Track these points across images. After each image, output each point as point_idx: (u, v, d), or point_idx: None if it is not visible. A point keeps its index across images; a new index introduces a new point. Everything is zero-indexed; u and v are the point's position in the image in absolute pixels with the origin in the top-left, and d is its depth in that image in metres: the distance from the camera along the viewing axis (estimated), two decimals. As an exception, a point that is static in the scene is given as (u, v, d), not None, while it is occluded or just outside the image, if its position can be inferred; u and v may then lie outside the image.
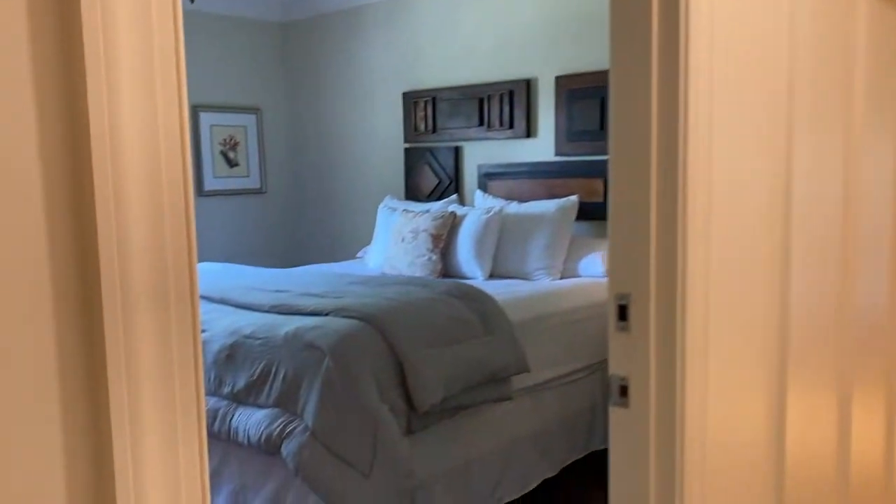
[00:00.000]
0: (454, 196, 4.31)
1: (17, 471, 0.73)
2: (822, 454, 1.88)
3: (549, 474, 3.07)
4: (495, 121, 4.26)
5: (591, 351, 3.28)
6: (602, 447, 3.37)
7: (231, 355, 2.54)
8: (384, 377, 2.33)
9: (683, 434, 1.32)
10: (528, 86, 4.14)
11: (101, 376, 0.78)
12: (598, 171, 3.87)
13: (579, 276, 3.60)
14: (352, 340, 2.36)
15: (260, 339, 2.50)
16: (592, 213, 3.86)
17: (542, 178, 4.06)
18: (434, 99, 4.53)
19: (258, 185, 5.21)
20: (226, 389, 2.54)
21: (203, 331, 2.69)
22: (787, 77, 1.55)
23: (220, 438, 2.51)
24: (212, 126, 4.93)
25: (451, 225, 3.76)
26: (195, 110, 4.85)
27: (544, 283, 3.50)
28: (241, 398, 2.49)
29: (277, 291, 2.91)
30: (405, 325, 2.46)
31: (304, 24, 5.21)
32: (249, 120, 5.14)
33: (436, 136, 4.55)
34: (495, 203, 3.92)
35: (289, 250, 5.32)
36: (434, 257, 3.70)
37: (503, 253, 3.70)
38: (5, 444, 0.72)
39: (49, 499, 0.75)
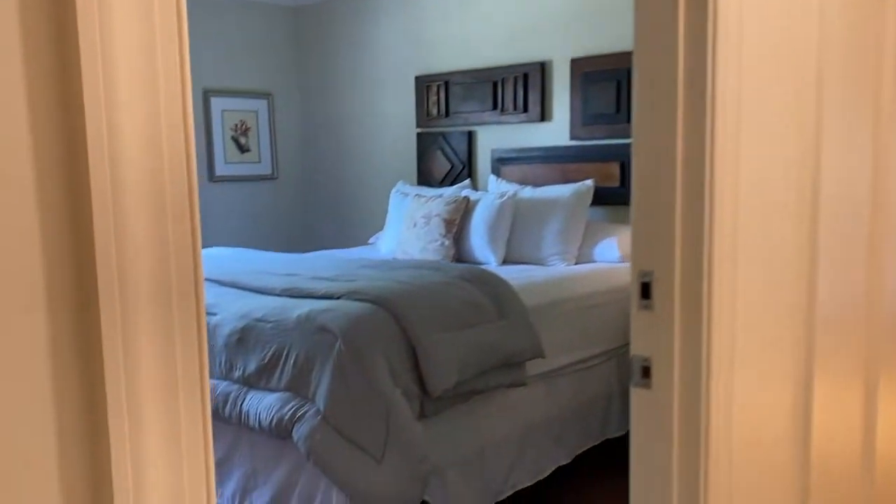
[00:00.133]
0: (467, 181, 4.25)
1: (9, 477, 0.69)
2: (848, 446, 1.82)
3: (564, 461, 3.02)
4: (509, 104, 4.20)
5: (607, 337, 3.23)
6: (617, 434, 3.32)
7: (242, 339, 2.51)
8: (397, 361, 2.30)
9: (709, 417, 1.27)
10: (543, 69, 4.08)
11: (97, 376, 0.73)
12: (614, 155, 3.80)
13: (595, 262, 3.54)
14: (364, 323, 2.32)
15: (271, 322, 2.47)
16: (608, 197, 3.80)
17: (557, 162, 4.00)
18: (447, 83, 4.47)
19: (269, 171, 5.17)
20: (236, 373, 2.51)
21: (213, 314, 2.67)
22: (816, 66, 1.49)
23: (231, 423, 2.49)
24: (223, 111, 4.90)
25: (464, 210, 3.71)
26: (206, 95, 4.81)
27: (559, 269, 3.45)
28: (252, 382, 2.46)
29: (288, 275, 2.88)
30: (418, 309, 2.42)
31: (316, 7, 5.16)
32: (261, 105, 5.10)
33: (448, 120, 4.50)
34: (509, 188, 3.86)
35: (300, 236, 5.29)
36: (447, 242, 3.65)
37: (517, 238, 3.64)
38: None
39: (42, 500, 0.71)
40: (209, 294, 2.80)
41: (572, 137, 3.98)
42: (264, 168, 5.14)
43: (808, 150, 1.50)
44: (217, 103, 4.87)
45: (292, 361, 2.36)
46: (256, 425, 2.37)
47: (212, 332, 2.62)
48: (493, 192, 3.82)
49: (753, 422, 1.42)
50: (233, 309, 2.63)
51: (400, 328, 2.35)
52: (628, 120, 3.76)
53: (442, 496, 2.45)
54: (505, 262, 3.62)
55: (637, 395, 1.31)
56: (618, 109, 3.80)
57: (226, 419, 2.49)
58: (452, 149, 4.50)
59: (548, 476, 2.92)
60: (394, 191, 4.25)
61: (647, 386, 1.30)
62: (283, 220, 5.27)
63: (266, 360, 2.42)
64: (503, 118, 4.24)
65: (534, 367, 2.76)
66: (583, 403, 3.14)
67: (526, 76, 4.12)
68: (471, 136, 4.43)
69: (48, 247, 0.69)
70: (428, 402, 2.35)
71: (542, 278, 3.21)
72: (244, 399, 2.45)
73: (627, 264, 3.53)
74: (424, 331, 2.36)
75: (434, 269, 2.88)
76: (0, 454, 0.68)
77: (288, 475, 2.43)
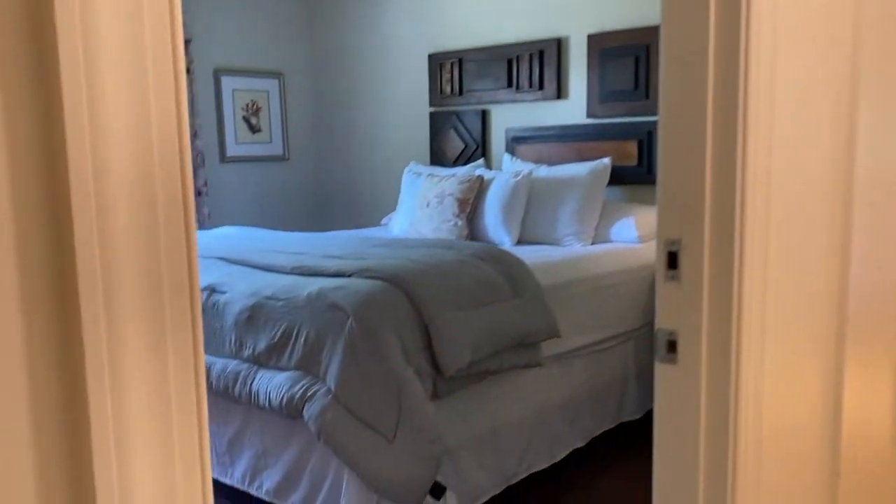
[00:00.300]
0: (481, 161, 4.17)
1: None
2: (879, 430, 1.75)
3: (579, 444, 2.97)
4: (524, 82, 4.11)
5: (624, 318, 3.16)
6: (633, 418, 3.26)
7: (252, 317, 2.46)
8: (409, 339, 2.24)
9: (738, 394, 1.20)
10: (559, 45, 3.98)
11: (79, 379, 0.65)
12: (632, 133, 3.71)
13: (612, 242, 3.46)
14: (376, 301, 2.26)
15: (281, 300, 2.42)
16: (626, 176, 3.71)
17: (573, 141, 3.91)
18: (461, 60, 4.38)
19: (281, 152, 5.12)
20: (246, 352, 2.46)
21: (222, 292, 2.62)
22: (852, 39, 1.40)
23: (241, 402, 2.45)
24: (234, 90, 4.84)
25: (477, 189, 3.63)
26: (217, 74, 4.75)
27: (575, 249, 3.38)
28: (262, 361, 2.42)
29: (299, 253, 2.83)
30: (431, 287, 2.36)
31: (327, -15, 5.08)
32: (272, 84, 5.03)
33: (462, 99, 4.41)
34: (524, 166, 3.78)
35: (312, 218, 5.24)
36: (460, 222, 3.58)
37: (532, 218, 3.57)
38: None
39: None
40: (218, 272, 2.75)
41: (589, 115, 3.88)
42: (276, 149, 5.09)
43: (842, 127, 1.42)
44: (228, 82, 4.81)
45: (303, 340, 2.31)
46: (266, 405, 2.33)
47: (221, 310, 2.57)
48: (507, 171, 3.74)
49: (783, 401, 1.35)
50: (242, 287, 2.58)
51: (412, 306, 2.29)
52: (647, 97, 3.66)
53: (455, 477, 2.40)
54: (519, 242, 3.55)
55: (662, 371, 1.25)
56: (636, 86, 3.70)
57: (236, 399, 2.45)
58: (466, 128, 4.41)
59: (563, 459, 2.87)
60: (406, 170, 4.18)
61: (673, 361, 1.23)
62: (294, 201, 5.22)
63: (276, 339, 2.37)
64: (518, 96, 4.15)
65: (549, 348, 2.69)
66: (598, 386, 3.08)
67: (542, 53, 4.03)
68: (485, 115, 4.34)
69: (22, 240, 0.61)
70: (441, 381, 2.30)
71: (557, 258, 3.14)
72: (254, 378, 2.40)
73: (645, 244, 3.47)
74: (437, 309, 2.30)
75: (447, 247, 2.82)
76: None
77: (299, 455, 2.39)
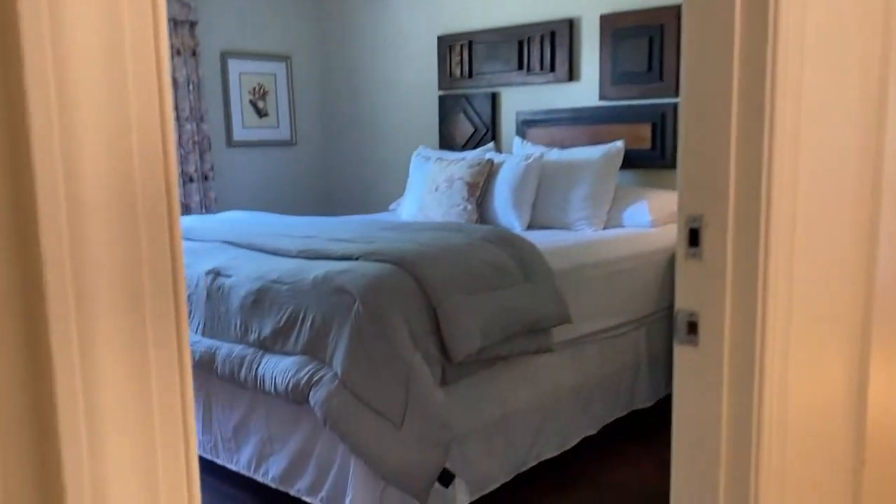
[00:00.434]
0: (490, 145, 4.10)
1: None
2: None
3: (590, 432, 2.92)
4: (535, 64, 4.03)
5: (637, 304, 3.10)
6: (645, 406, 3.21)
7: (257, 301, 2.42)
8: (417, 324, 2.19)
9: (762, 377, 1.14)
10: (571, 26, 3.89)
11: (47, 390, 0.58)
12: (646, 115, 3.63)
13: (624, 227, 3.39)
14: (383, 285, 2.21)
15: (287, 283, 2.37)
16: (639, 160, 3.64)
17: (585, 124, 3.83)
18: (470, 42, 4.30)
19: (288, 137, 5.06)
20: (252, 336, 2.42)
21: (228, 276, 2.58)
22: (883, 15, 1.33)
23: (247, 387, 2.41)
24: (240, 74, 4.78)
25: (487, 173, 3.57)
26: (223, 57, 4.70)
27: (587, 234, 3.31)
28: (268, 345, 2.37)
29: (305, 237, 2.77)
30: (440, 270, 2.31)
31: (334, -33, 5.00)
32: (279, 68, 4.97)
33: (472, 81, 4.34)
34: (535, 150, 3.71)
35: (319, 203, 5.19)
36: (469, 207, 3.52)
37: (543, 202, 3.50)
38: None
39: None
40: (224, 256, 2.71)
41: (602, 97, 3.81)
42: (283, 133, 5.03)
43: (872, 103, 1.34)
44: (234, 66, 4.75)
45: (309, 324, 2.26)
46: (272, 390, 2.29)
47: (226, 294, 2.53)
48: (518, 155, 3.67)
49: (808, 386, 1.29)
50: (248, 270, 2.53)
51: (421, 290, 2.24)
52: (661, 79, 3.58)
53: (463, 465, 2.35)
54: (530, 226, 3.49)
55: (682, 353, 1.19)
56: (649, 68, 3.62)
57: (241, 384, 2.41)
58: (476, 111, 4.34)
59: (573, 447, 2.82)
60: (415, 154, 4.12)
61: (694, 343, 1.17)
62: (301, 186, 5.16)
63: (282, 323, 2.33)
64: (529, 78, 4.08)
65: (560, 334, 2.64)
66: (610, 373, 3.02)
67: (553, 34, 3.94)
68: (495, 98, 4.27)
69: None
70: (450, 367, 2.24)
71: (569, 242, 3.07)
72: (260, 363, 2.36)
73: (659, 229, 3.40)
74: (446, 293, 2.24)
75: (456, 230, 2.76)
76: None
77: (305, 441, 2.35)
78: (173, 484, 0.61)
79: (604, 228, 3.39)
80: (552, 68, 3.97)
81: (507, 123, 4.24)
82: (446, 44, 4.42)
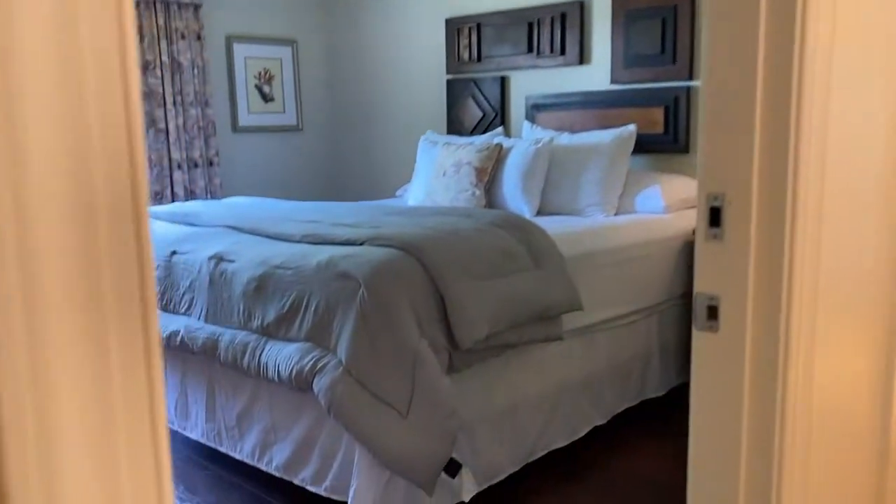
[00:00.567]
0: (499, 129, 4.03)
1: None
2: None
3: (599, 422, 2.86)
4: (545, 47, 3.94)
5: (649, 292, 3.03)
6: (656, 395, 3.15)
7: (260, 286, 2.36)
8: (424, 310, 2.13)
9: (787, 366, 1.08)
10: (582, 7, 3.80)
11: None
12: (659, 99, 3.55)
13: (636, 213, 3.32)
14: (389, 270, 2.15)
15: (290, 269, 2.32)
16: (651, 144, 3.56)
17: (596, 108, 3.75)
18: (479, 25, 4.22)
19: (294, 122, 5.00)
20: (255, 323, 2.37)
21: (231, 261, 2.53)
22: None
23: (250, 375, 2.36)
24: (246, 58, 4.72)
25: (496, 157, 3.50)
26: (229, 41, 4.64)
27: (597, 220, 3.24)
28: (271, 332, 2.32)
29: (309, 222, 2.72)
30: (447, 255, 2.24)
31: (341, -51, 4.92)
32: (285, 52, 4.90)
33: (480, 65, 4.26)
34: (545, 134, 3.64)
35: (326, 189, 5.14)
36: (477, 192, 3.45)
37: (553, 187, 3.43)
38: None
39: None
40: (227, 241, 2.65)
41: (613, 81, 3.72)
42: (289, 118, 4.97)
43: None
44: (240, 50, 4.69)
45: (312, 310, 2.21)
46: (275, 377, 2.24)
47: (229, 279, 2.48)
48: (527, 139, 3.59)
49: (834, 377, 1.22)
50: (251, 256, 2.48)
51: (427, 275, 2.18)
52: (674, 61, 3.49)
53: (471, 455, 2.30)
54: (539, 212, 3.42)
55: (701, 340, 1.13)
56: (662, 50, 3.53)
57: (244, 371, 2.36)
58: (484, 96, 4.26)
59: (583, 437, 2.76)
60: (422, 139, 4.05)
61: (714, 329, 1.11)
62: (308, 172, 5.11)
63: (285, 309, 2.28)
64: (539, 62, 3.99)
65: (570, 322, 2.58)
66: (621, 362, 2.96)
67: (563, 16, 3.86)
68: (504, 82, 4.19)
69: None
70: (457, 355, 2.19)
71: (579, 228, 3.00)
72: (263, 350, 2.31)
73: (672, 215, 3.32)
74: (453, 279, 2.18)
75: (464, 215, 2.69)
76: None
77: (309, 429, 2.30)
78: (140, 491, 0.54)
79: (615, 214, 3.32)
80: (562, 51, 3.88)
81: (517, 108, 4.16)
82: (454, 26, 4.34)
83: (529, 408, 2.54)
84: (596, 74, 3.80)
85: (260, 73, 4.79)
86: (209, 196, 4.40)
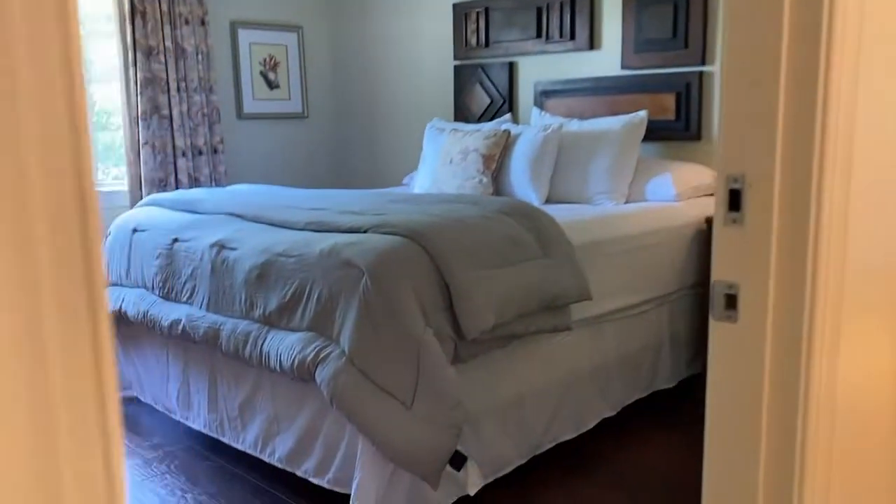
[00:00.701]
0: (507, 116, 3.96)
1: None
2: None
3: (608, 414, 2.81)
4: (554, 32, 3.86)
5: (659, 281, 2.96)
6: (667, 387, 3.09)
7: (262, 275, 2.32)
8: (429, 299, 2.07)
9: (810, 359, 1.02)
10: (593, -9, 3.72)
11: None
12: (670, 85, 3.47)
13: (647, 201, 3.25)
14: (393, 258, 2.10)
15: (293, 256, 2.27)
16: (663, 131, 3.48)
17: (607, 94, 3.67)
18: (487, 10, 4.14)
19: (300, 110, 4.94)
20: (257, 312, 2.32)
21: (233, 248, 2.48)
22: None
23: (252, 364, 2.32)
24: (251, 44, 4.65)
25: (504, 144, 3.43)
26: (233, 26, 4.57)
27: (607, 208, 3.17)
28: (273, 321, 2.28)
29: (313, 209, 2.66)
30: (453, 243, 2.19)
31: (347, -67, 4.84)
32: (290, 38, 4.84)
33: (488, 51, 4.18)
34: (553, 120, 3.56)
35: (331, 177, 5.08)
36: (485, 180, 3.39)
37: (561, 175, 3.36)
38: None
39: None
40: (230, 228, 2.61)
41: (624, 66, 3.64)
42: (294, 106, 4.91)
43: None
44: (244, 36, 4.63)
45: (315, 299, 2.16)
46: (277, 367, 2.19)
47: (231, 267, 2.44)
48: (536, 126, 3.52)
49: (859, 372, 1.16)
50: (253, 243, 2.43)
51: (432, 264, 2.13)
52: (686, 46, 3.41)
53: (477, 447, 2.25)
54: (548, 200, 3.36)
55: (719, 331, 1.07)
56: (674, 35, 3.44)
57: (246, 360, 2.32)
58: (492, 82, 4.19)
59: (591, 429, 2.71)
60: (428, 126, 3.98)
61: (732, 319, 1.05)
62: (313, 160, 5.05)
63: (287, 298, 2.23)
64: (548, 47, 3.91)
65: (579, 312, 2.52)
66: (630, 352, 2.90)
67: (573, 0, 3.77)
68: (512, 68, 4.11)
69: None
70: (462, 345, 2.13)
71: (588, 217, 2.94)
72: (265, 339, 2.26)
73: (683, 203, 3.24)
74: (459, 267, 2.13)
75: (471, 202, 2.63)
76: None
77: (311, 420, 2.26)
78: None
79: (625, 202, 3.25)
80: (572, 36, 3.80)
81: (525, 94, 4.09)
82: (461, 11, 4.26)
83: (537, 399, 2.49)
84: (606, 60, 3.72)
85: (265, 60, 4.73)
86: (214, 184, 4.35)
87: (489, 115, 4.19)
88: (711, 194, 3.32)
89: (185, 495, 2.41)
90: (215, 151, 4.36)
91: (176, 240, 2.72)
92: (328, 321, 2.13)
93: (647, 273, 2.90)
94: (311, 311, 2.17)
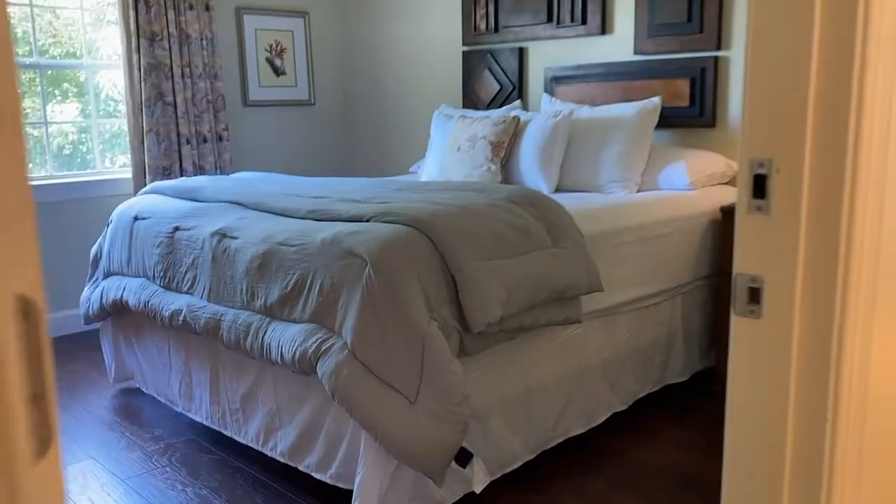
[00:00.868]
0: (517, 102, 3.87)
1: None
2: None
3: (619, 408, 2.74)
4: (565, 16, 3.77)
5: (672, 273, 2.89)
6: (678, 381, 3.01)
7: (263, 264, 2.26)
8: (433, 290, 2.01)
9: (840, 359, 0.94)
10: (605, -27, 3.62)
11: None
12: (685, 70, 3.37)
13: (660, 190, 3.16)
14: (396, 247, 2.03)
15: (294, 245, 2.20)
16: (677, 118, 3.39)
17: (619, 80, 3.58)
18: (496, -7, 4.04)
19: (306, 97, 4.87)
20: (258, 303, 2.27)
21: (234, 237, 2.42)
22: None
23: (254, 356, 2.26)
24: (256, 30, 4.58)
25: (513, 131, 3.35)
26: (238, 12, 4.50)
27: (619, 197, 3.09)
28: (275, 312, 2.22)
29: (315, 198, 2.60)
30: (458, 232, 2.12)
31: (354, -84, 4.74)
32: (297, 24, 4.76)
33: (498, 36, 4.09)
34: (564, 107, 3.48)
35: (338, 165, 5.02)
36: (493, 167, 3.31)
37: (572, 163, 3.28)
38: None
39: None
40: (232, 216, 2.55)
41: (637, 52, 3.54)
42: (301, 93, 4.84)
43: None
44: (250, 21, 4.55)
45: (317, 289, 2.10)
46: (279, 359, 2.14)
47: (232, 257, 2.38)
48: (546, 112, 3.43)
49: (891, 373, 1.08)
50: (255, 232, 2.37)
51: (437, 254, 2.06)
52: (701, 30, 3.31)
53: (484, 443, 2.19)
54: (558, 189, 3.28)
55: (741, 326, 0.99)
56: (689, 18, 3.34)
57: (248, 352, 2.27)
58: (502, 68, 4.10)
59: (601, 424, 2.64)
60: (436, 113, 3.90)
61: (756, 314, 0.98)
62: (320, 147, 4.98)
63: (289, 289, 2.17)
64: (559, 32, 3.82)
65: (589, 304, 2.44)
66: (642, 345, 2.83)
67: (585, -17, 3.67)
68: (522, 54, 4.02)
69: None
70: (468, 338, 2.07)
71: (599, 206, 2.86)
72: (266, 331, 2.21)
73: (697, 192, 3.15)
74: (465, 257, 2.06)
75: (478, 190, 2.56)
76: None
77: (313, 414, 2.20)
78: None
79: (638, 191, 3.16)
80: (583, 20, 3.71)
81: (535, 80, 4.00)
82: (471, -4, 4.16)
83: (545, 393, 2.42)
84: (618, 45, 3.62)
85: (271, 46, 4.66)
86: (219, 172, 4.29)
87: (498, 101, 4.11)
88: (726, 183, 3.23)
89: (186, 489, 2.36)
90: (220, 139, 4.30)
91: (177, 228, 2.67)
92: (330, 312, 2.07)
93: (659, 264, 2.82)
94: (312, 301, 2.11)
